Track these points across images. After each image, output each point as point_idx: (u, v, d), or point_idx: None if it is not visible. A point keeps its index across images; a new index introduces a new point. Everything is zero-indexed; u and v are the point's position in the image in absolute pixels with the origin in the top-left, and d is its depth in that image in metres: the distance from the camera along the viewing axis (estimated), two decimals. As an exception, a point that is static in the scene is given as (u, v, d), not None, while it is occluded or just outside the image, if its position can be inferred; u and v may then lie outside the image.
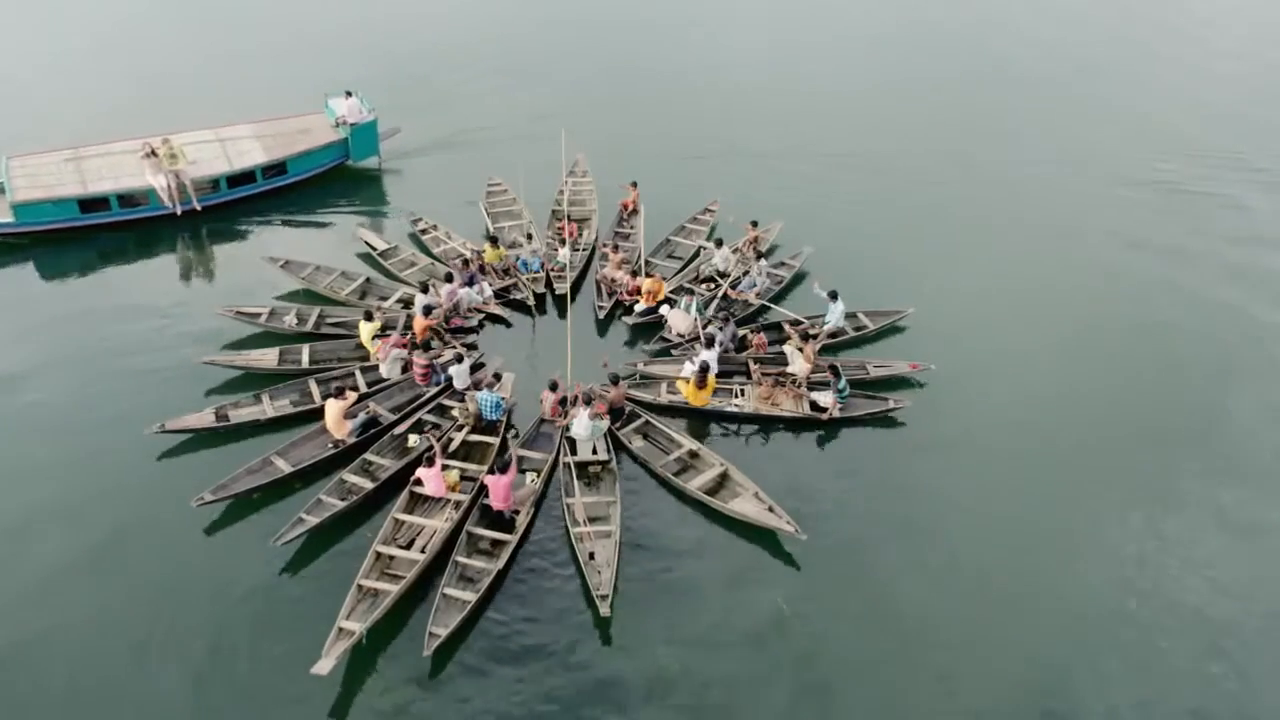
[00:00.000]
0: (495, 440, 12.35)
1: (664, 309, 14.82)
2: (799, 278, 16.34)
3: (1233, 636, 10.33)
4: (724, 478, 11.94)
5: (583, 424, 11.99)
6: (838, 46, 29.09)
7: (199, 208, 17.42)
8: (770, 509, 11.21)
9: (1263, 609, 10.69)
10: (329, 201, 18.83)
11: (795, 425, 13.13)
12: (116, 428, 12.32)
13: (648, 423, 12.94)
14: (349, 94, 19.05)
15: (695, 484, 11.74)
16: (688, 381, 13.04)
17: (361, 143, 19.41)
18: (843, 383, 13.03)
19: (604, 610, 9.85)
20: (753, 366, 13.87)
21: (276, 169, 18.42)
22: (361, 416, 12.28)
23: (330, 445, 12.04)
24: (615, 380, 12.95)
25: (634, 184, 17.80)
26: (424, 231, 17.01)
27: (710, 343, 13.58)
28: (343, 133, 19.05)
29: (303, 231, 17.83)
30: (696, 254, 16.82)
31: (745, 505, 11.36)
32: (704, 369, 12.79)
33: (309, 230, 17.90)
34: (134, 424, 12.03)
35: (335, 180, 19.42)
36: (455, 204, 18.16)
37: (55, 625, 9.86)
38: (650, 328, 14.97)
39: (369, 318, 13.79)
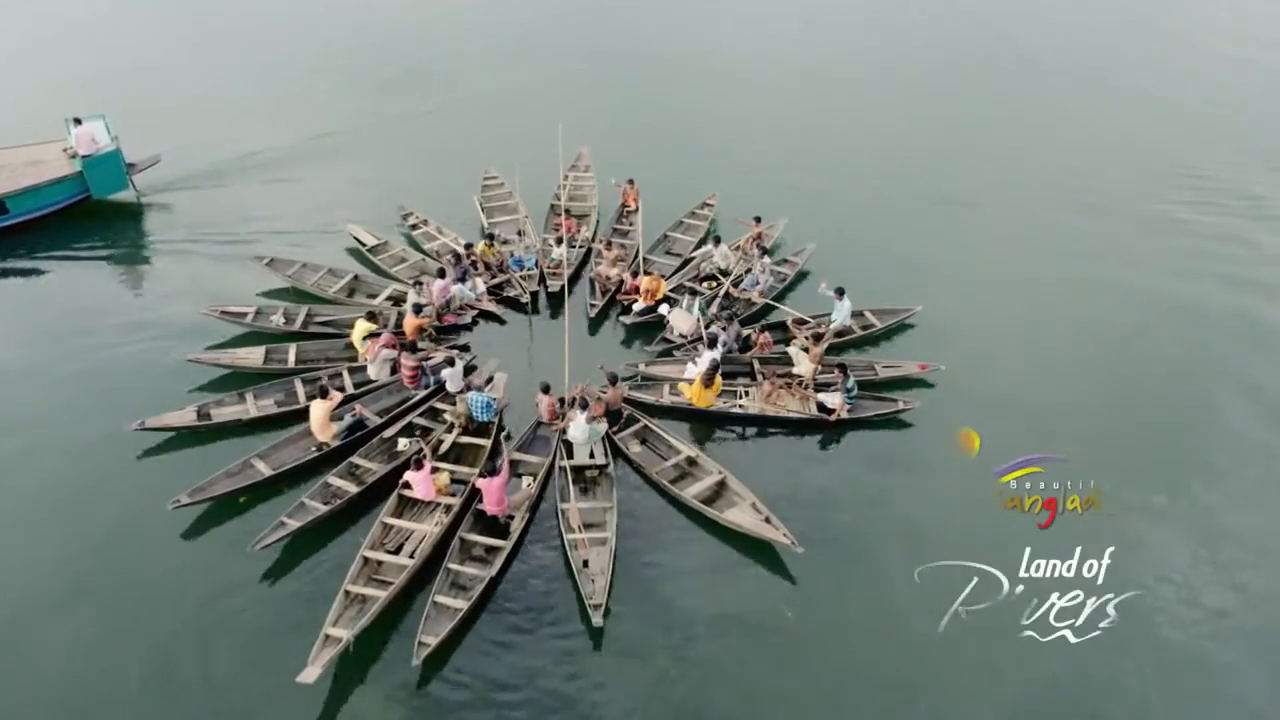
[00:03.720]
0: (487, 442, 12.44)
1: (663, 308, 14.90)
2: (803, 275, 16.42)
3: (1246, 634, 10.47)
4: (721, 486, 11.99)
5: (580, 427, 12.07)
6: (843, 37, 29.24)
7: None
8: (767, 519, 11.23)
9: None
10: (65, 244, 17.04)
11: (801, 427, 13.20)
12: (96, 424, 12.47)
13: (646, 427, 13.02)
14: (78, 121, 17.54)
15: (691, 492, 11.81)
16: (691, 383, 13.11)
17: (102, 176, 17.71)
18: (851, 383, 13.11)
19: (596, 620, 9.92)
20: (757, 367, 13.95)
21: None
22: (347, 419, 12.37)
23: (314, 448, 12.12)
24: (614, 380, 13.01)
25: (631, 181, 17.89)
26: (414, 227, 17.12)
27: (713, 343, 13.65)
28: (77, 165, 17.46)
29: (23, 282, 16.15)
30: (690, 261, 16.74)
31: (742, 515, 11.41)
32: (714, 366, 12.86)
33: (31, 280, 16.22)
34: (114, 421, 12.16)
35: (78, 219, 17.71)
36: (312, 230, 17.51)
37: (25, 629, 9.95)
38: (649, 327, 15.06)
39: (371, 318, 13.88)
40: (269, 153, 20.68)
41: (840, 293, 14.64)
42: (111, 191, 18.23)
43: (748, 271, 15.84)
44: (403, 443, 12.36)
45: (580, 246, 16.77)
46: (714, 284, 15.93)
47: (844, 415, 13.07)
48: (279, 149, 20.83)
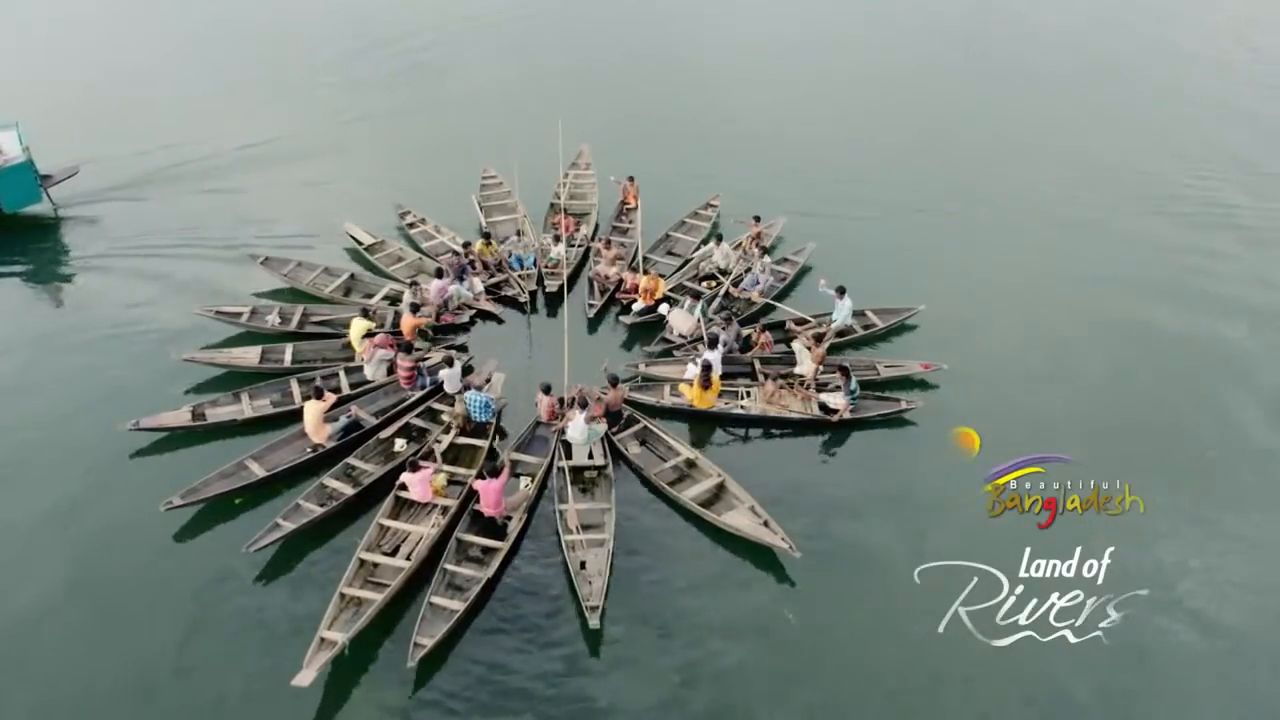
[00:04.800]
0: (484, 443, 12.50)
1: (663, 308, 14.96)
2: (803, 274, 16.46)
3: (1246, 634, 10.53)
4: (720, 489, 12.03)
5: (578, 428, 12.11)
6: (845, 36, 29.26)
7: None
8: (766, 523, 11.26)
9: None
10: (25, 255, 16.87)
11: (803, 427, 13.25)
12: (89, 425, 12.55)
13: (646, 428, 13.07)
14: None
15: (690, 494, 11.85)
16: (691, 384, 13.17)
17: (12, 189, 17.28)
18: (854, 384, 13.15)
19: (593, 622, 9.96)
20: (758, 367, 14.00)
21: None
22: (343, 420, 12.43)
23: (308, 450, 12.17)
24: (614, 381, 13.06)
25: (631, 178, 17.95)
26: (412, 225, 17.20)
27: (713, 343, 13.70)
28: None
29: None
30: (690, 261, 16.80)
31: (740, 519, 11.44)
32: (706, 368, 12.92)
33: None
34: (108, 421, 12.23)
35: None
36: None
37: (16, 630, 10.01)
38: (648, 327, 15.11)
39: (366, 315, 13.93)
40: (258, 153, 20.80)
41: (841, 292, 14.67)
42: (23, 205, 17.78)
43: (748, 271, 15.89)
44: (400, 444, 12.43)
45: (579, 245, 16.83)
46: (714, 284, 15.98)
47: (846, 415, 13.12)
48: (272, 149, 20.95)
